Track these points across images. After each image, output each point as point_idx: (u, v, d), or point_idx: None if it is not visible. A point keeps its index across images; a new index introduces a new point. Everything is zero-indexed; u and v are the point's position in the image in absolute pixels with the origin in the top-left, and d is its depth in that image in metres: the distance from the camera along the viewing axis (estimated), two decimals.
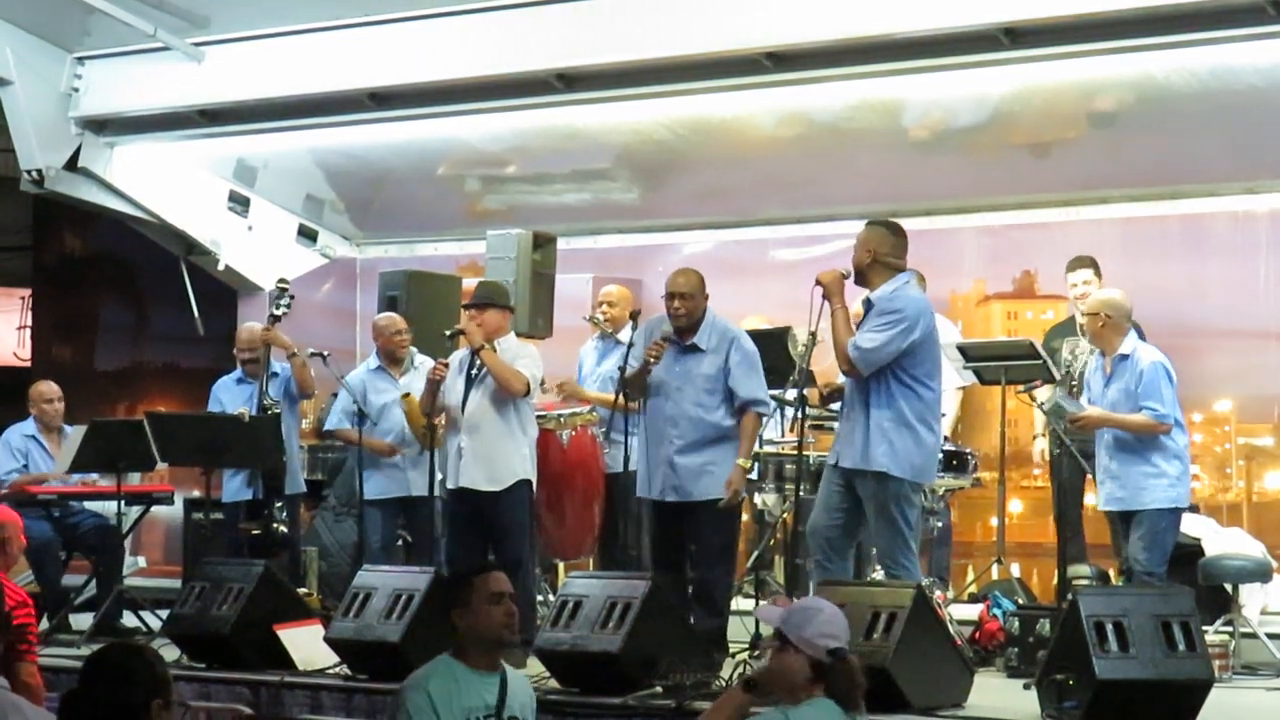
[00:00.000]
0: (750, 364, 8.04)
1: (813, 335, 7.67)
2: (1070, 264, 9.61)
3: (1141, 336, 8.79)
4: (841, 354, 7.46)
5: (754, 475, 9.50)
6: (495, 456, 8.39)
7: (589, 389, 9.68)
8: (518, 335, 8.90)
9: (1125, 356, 8.28)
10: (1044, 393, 8.94)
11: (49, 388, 10.34)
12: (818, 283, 7.53)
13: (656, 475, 8.03)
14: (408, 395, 9.15)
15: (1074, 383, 8.94)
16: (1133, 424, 8.17)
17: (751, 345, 8.13)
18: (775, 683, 4.85)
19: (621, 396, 8.14)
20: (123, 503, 9.65)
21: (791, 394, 8.96)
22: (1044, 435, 9.48)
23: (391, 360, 9.68)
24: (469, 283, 11.06)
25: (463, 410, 8.45)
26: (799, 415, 8.01)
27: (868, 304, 7.55)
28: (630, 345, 8.36)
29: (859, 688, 4.79)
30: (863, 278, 7.61)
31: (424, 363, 9.60)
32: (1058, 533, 9.10)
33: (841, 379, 7.72)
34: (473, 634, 5.13)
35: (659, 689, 7.02)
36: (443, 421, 8.70)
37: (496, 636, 5.16)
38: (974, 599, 9.18)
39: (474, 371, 8.47)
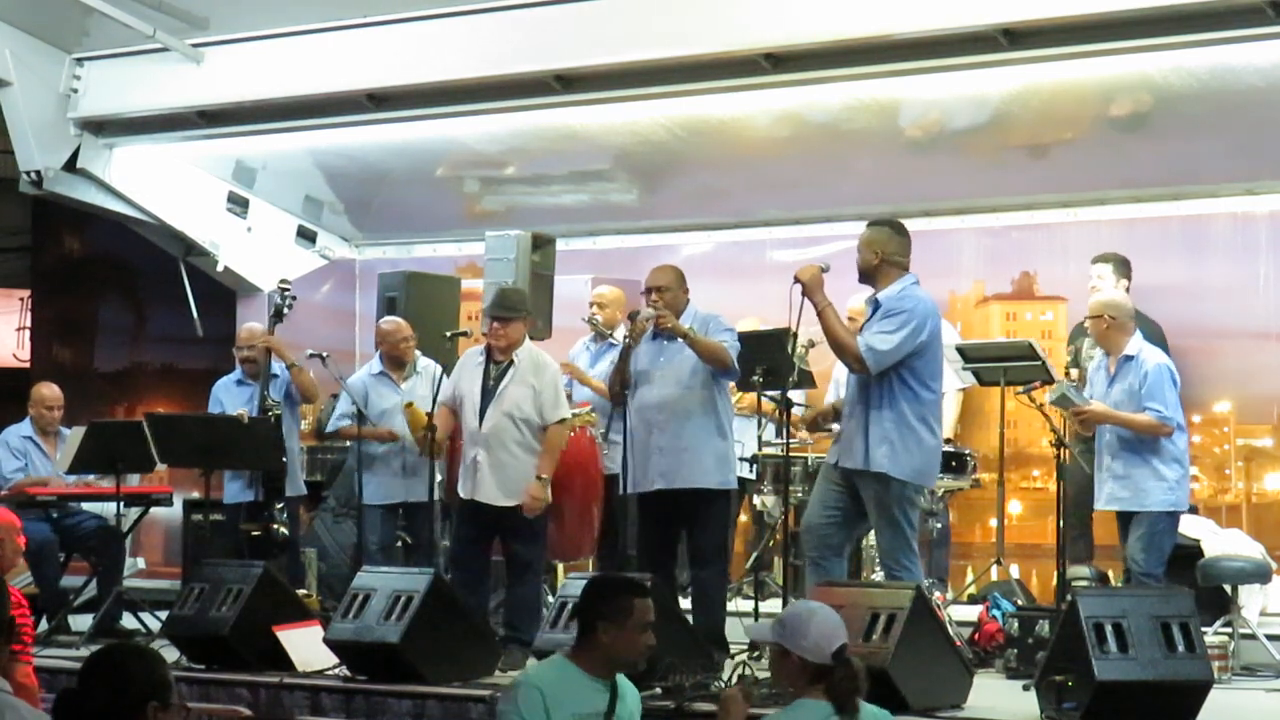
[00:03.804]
0: (727, 330, 8.07)
1: (794, 335, 7.68)
2: (1094, 257, 9.59)
3: (1163, 338, 8.79)
4: (849, 351, 7.43)
5: (752, 476, 9.54)
6: (511, 473, 8.29)
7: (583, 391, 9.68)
8: None
9: (1130, 357, 8.28)
10: (1044, 396, 8.93)
11: (51, 392, 10.31)
12: (796, 280, 7.52)
13: (645, 465, 8.04)
14: (410, 405, 9.13)
15: (1073, 383, 8.93)
16: (1135, 423, 8.17)
17: (731, 326, 8.18)
18: (777, 684, 4.89)
19: (618, 393, 8.16)
20: (122, 504, 9.64)
21: (794, 394, 9.00)
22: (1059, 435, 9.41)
23: (394, 364, 9.67)
24: (468, 284, 11.09)
25: (479, 425, 8.34)
26: (787, 416, 8.02)
27: (875, 303, 7.54)
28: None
29: (860, 691, 4.82)
30: (870, 278, 7.59)
31: (426, 367, 9.59)
32: (1058, 533, 9.09)
33: (833, 395, 7.72)
34: (612, 651, 5.11)
35: (659, 690, 7.01)
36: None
37: (634, 660, 5.20)
38: (973, 600, 9.19)
39: (490, 383, 8.40)
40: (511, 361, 8.34)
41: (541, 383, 8.32)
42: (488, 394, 8.35)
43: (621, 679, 5.22)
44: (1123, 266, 9.53)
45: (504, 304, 8.48)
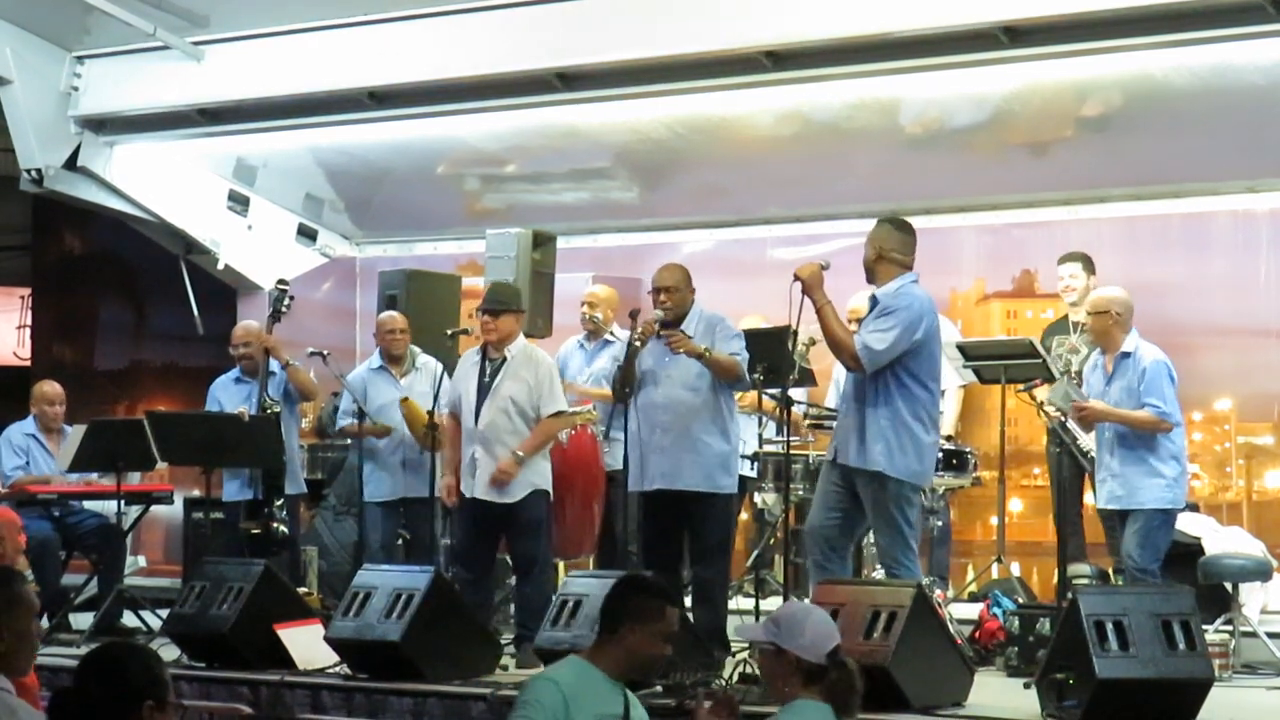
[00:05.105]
0: (736, 336, 8.08)
1: (795, 332, 7.68)
2: (1060, 258, 9.63)
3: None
4: (846, 349, 7.43)
5: (753, 474, 9.53)
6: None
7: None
8: None
9: (1127, 354, 8.27)
10: (1043, 392, 8.94)
11: (53, 390, 10.31)
12: (796, 277, 7.51)
13: (648, 464, 8.05)
14: (407, 400, 9.11)
15: (1073, 380, 8.93)
16: (1136, 420, 8.17)
17: (736, 328, 8.18)
18: (768, 684, 4.88)
19: (621, 392, 8.16)
20: (122, 502, 9.64)
21: (795, 393, 9.00)
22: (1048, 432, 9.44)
23: (391, 359, 9.68)
24: (469, 282, 11.09)
25: (475, 422, 8.35)
26: (787, 414, 8.00)
27: (874, 301, 7.54)
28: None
29: (857, 692, 4.80)
30: (872, 274, 7.60)
31: (426, 364, 9.59)
32: (1057, 531, 9.10)
33: (833, 394, 7.71)
34: (630, 652, 5.01)
35: (659, 688, 7.01)
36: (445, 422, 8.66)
37: (649, 668, 5.15)
38: (974, 598, 9.18)
39: (485, 380, 8.42)
40: (505, 358, 8.38)
41: (537, 376, 8.35)
42: (483, 391, 8.38)
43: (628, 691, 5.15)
44: (1090, 264, 9.55)
45: (494, 297, 8.56)
